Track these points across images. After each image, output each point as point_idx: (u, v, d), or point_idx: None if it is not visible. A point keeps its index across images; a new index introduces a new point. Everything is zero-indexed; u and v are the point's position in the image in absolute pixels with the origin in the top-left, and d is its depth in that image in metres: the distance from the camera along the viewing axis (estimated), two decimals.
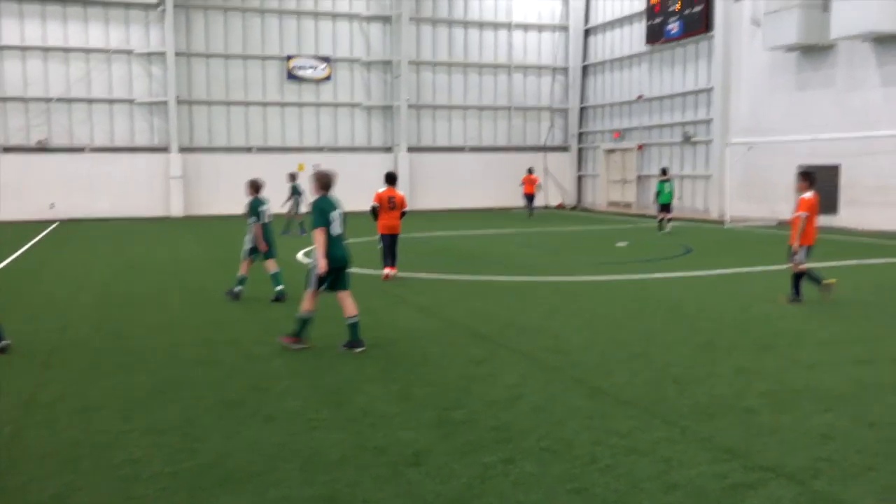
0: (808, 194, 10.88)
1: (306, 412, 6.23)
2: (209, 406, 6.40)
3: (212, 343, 8.72)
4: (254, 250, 11.53)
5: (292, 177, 23.45)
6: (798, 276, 10.97)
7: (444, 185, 34.79)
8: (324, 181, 8.31)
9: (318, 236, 8.01)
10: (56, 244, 20.40)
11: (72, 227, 25.98)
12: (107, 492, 4.77)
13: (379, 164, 34.14)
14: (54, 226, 26.55)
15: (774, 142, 24.62)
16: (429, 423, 5.96)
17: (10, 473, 5.05)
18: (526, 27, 36.21)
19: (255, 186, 11.76)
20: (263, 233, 11.50)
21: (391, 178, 13.82)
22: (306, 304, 8.26)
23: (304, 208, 22.30)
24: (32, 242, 20.36)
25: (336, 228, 8.18)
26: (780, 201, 23.94)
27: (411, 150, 34.43)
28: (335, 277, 8.23)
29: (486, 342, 8.73)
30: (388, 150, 34.61)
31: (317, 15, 33.20)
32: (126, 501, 4.62)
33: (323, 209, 8.13)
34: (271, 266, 11.64)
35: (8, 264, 15.97)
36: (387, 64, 34.31)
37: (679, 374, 7.28)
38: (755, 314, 10.22)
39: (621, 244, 19.42)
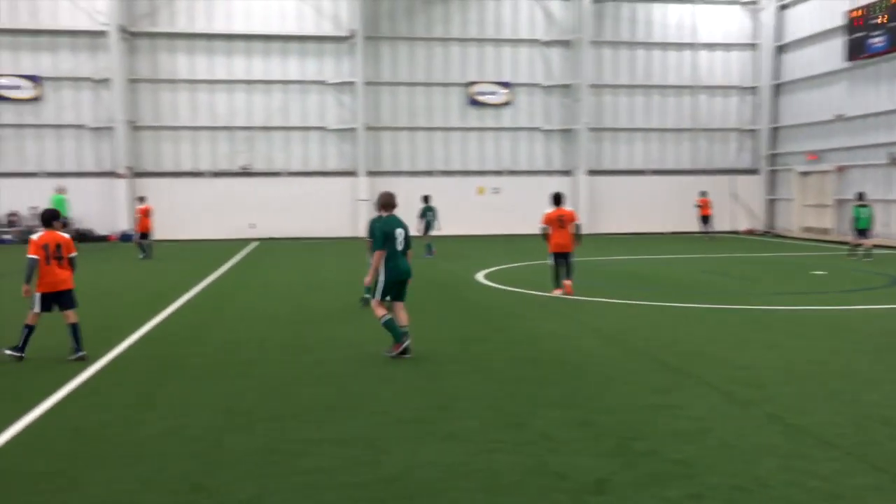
0: None
1: (486, 432, 6.25)
2: (392, 421, 6.56)
3: (394, 360, 8.96)
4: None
5: (426, 199, 23.86)
6: None
7: (625, 209, 34.11)
8: (385, 201, 9.28)
9: (377, 254, 8.88)
10: (255, 262, 21.86)
11: (269, 246, 27.78)
12: (297, 497, 4.99)
13: (557, 188, 34.03)
14: (254, 244, 28.50)
15: None
16: (610, 451, 5.80)
17: (211, 474, 5.40)
18: (712, 46, 34.92)
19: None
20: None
21: (557, 199, 14.33)
22: (378, 312, 8.99)
23: (434, 231, 23.05)
24: (236, 260, 21.91)
25: (398, 245, 8.96)
26: None
27: (591, 173, 34.07)
28: (398, 290, 9.02)
29: (671, 371, 8.39)
30: (568, 173, 34.43)
31: (498, 42, 33.74)
32: None
33: (383, 229, 8.96)
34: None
35: (214, 280, 17.27)
36: (567, 88, 34.23)
37: (889, 416, 6.65)
38: None
39: (818, 273, 18.14)
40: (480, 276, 17.39)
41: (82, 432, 6.30)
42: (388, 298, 8.99)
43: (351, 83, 32.55)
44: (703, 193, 30.81)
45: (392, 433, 6.25)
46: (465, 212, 33.38)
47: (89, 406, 7.11)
